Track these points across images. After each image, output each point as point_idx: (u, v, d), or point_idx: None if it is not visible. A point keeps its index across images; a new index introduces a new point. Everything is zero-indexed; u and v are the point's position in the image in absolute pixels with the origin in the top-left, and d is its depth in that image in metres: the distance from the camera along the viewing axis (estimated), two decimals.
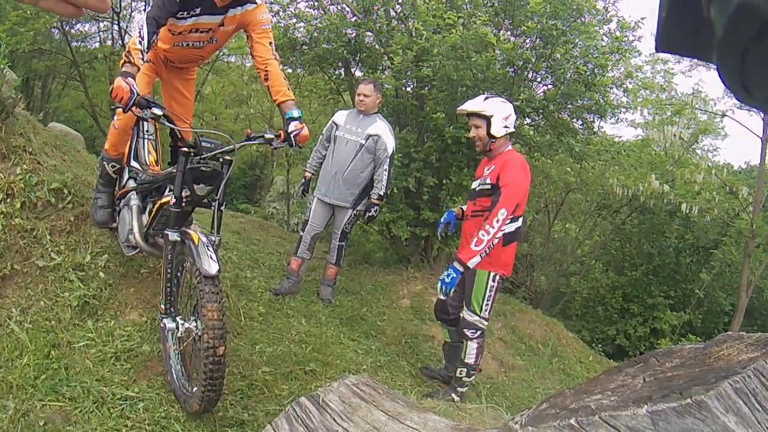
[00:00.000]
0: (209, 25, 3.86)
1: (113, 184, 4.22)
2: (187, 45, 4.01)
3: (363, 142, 5.39)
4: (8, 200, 4.13)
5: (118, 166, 4.12)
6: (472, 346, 4.28)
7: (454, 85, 6.33)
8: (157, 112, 3.31)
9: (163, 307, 3.39)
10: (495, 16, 7.02)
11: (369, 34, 7.24)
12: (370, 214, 5.43)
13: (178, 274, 3.44)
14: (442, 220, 4.65)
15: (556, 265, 12.29)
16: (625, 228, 12.16)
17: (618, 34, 7.42)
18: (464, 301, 4.31)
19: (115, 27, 17.05)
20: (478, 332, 4.25)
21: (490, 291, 4.20)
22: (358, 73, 7.73)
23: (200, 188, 3.35)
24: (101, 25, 17.93)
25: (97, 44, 18.33)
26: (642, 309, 11.65)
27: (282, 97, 3.82)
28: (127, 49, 3.37)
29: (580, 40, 6.67)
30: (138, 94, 3.18)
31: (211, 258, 3.07)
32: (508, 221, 3.98)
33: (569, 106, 7.04)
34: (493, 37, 5.88)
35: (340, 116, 5.60)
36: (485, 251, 3.94)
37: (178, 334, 3.35)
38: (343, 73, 7.71)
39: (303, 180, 5.74)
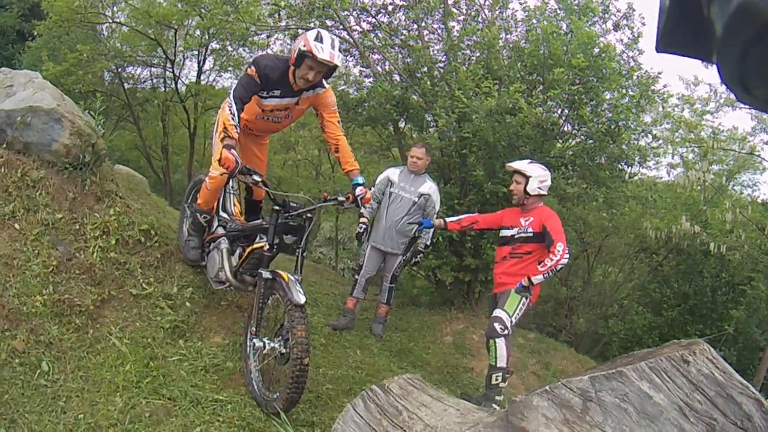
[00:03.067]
0: (288, 104, 4.92)
1: (203, 230, 5.29)
2: (268, 119, 5.10)
3: (415, 199, 6.42)
4: (104, 237, 5.22)
5: (208, 217, 5.18)
6: (500, 346, 5.15)
7: (491, 145, 7.39)
8: (257, 178, 4.59)
9: (254, 329, 4.47)
10: (529, 75, 8.08)
11: (414, 96, 8.35)
12: (416, 260, 6.55)
13: (264, 304, 4.51)
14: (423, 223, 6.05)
15: (596, 308, 12.91)
16: (663, 269, 12.71)
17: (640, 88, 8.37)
18: (497, 307, 5.32)
19: (168, 73, 18.48)
20: (506, 330, 5.17)
21: (521, 308, 5.27)
22: (406, 125, 8.87)
23: (288, 238, 4.50)
24: (153, 70, 19.37)
25: (148, 87, 19.64)
26: None
27: (350, 167, 4.98)
28: (223, 125, 4.47)
29: (609, 92, 7.72)
30: (241, 163, 4.38)
31: (299, 291, 4.18)
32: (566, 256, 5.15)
33: (598, 159, 8.00)
34: (524, 102, 6.93)
35: (394, 174, 6.61)
36: (548, 273, 5.15)
37: (264, 351, 4.38)
38: (392, 130, 8.82)
39: (362, 227, 6.64)
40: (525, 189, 5.39)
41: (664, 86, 9.77)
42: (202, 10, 13.60)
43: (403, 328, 7.35)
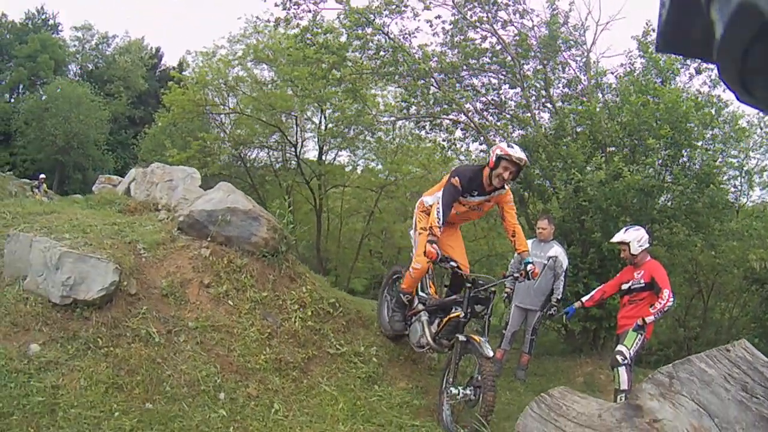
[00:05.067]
0: (480, 202, 6.39)
1: (405, 307, 6.66)
2: (465, 212, 6.55)
3: (545, 262, 7.90)
4: (302, 309, 6.69)
5: (410, 297, 6.61)
6: (622, 373, 6.59)
7: (604, 210, 8.96)
8: (453, 264, 6.11)
9: (451, 379, 5.90)
10: (628, 137, 9.65)
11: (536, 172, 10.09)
12: (550, 312, 7.98)
13: (460, 360, 5.93)
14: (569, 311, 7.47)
15: (714, 346, 13.24)
16: None
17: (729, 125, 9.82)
18: (619, 343, 6.86)
19: (288, 155, 20.81)
20: (626, 360, 6.63)
21: (637, 342, 6.75)
22: (530, 196, 10.74)
23: (478, 307, 5.90)
24: (271, 152, 21.77)
25: (267, 165, 22.14)
26: None
27: (522, 249, 6.50)
28: (429, 225, 5.98)
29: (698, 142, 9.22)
30: (442, 254, 5.90)
31: (488, 348, 5.59)
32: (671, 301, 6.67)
33: (698, 205, 9.32)
34: (627, 171, 8.54)
35: (527, 244, 8.05)
36: (658, 314, 6.67)
37: (458, 397, 5.68)
38: (518, 203, 10.54)
39: (506, 294, 8.20)
40: (630, 252, 6.92)
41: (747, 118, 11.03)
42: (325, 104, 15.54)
43: (541, 374, 8.85)
